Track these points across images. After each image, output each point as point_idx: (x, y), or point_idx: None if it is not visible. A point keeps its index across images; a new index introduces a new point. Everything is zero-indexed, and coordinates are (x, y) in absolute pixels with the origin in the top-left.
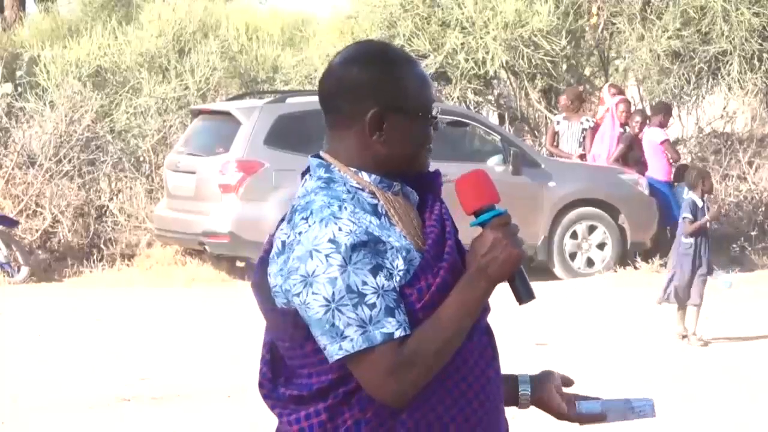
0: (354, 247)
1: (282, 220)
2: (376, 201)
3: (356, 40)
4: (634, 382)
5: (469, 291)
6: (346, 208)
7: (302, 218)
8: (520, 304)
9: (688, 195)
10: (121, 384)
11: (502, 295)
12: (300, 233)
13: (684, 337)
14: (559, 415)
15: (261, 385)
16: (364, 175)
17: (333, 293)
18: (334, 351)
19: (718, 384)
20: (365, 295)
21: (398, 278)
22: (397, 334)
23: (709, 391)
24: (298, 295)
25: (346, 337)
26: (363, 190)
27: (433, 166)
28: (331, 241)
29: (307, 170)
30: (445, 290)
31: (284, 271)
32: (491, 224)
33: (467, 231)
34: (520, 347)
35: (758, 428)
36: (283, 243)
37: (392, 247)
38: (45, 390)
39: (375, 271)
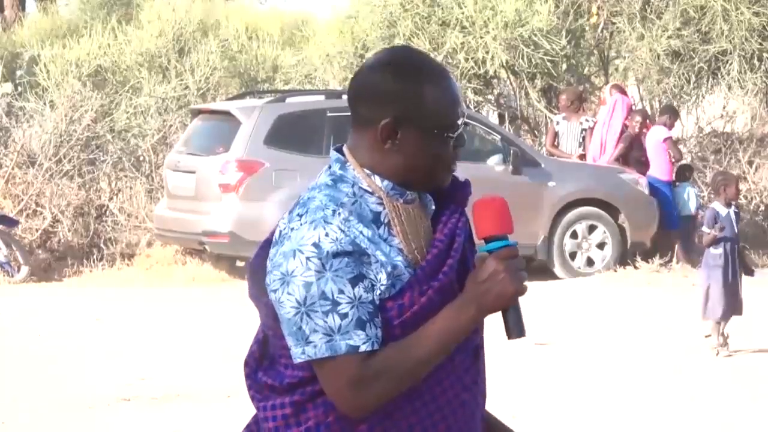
0: (336, 255)
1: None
2: (380, 208)
3: (393, 45)
4: (634, 382)
5: (456, 316)
6: (339, 213)
7: (298, 214)
8: (508, 338)
9: (713, 204)
10: (121, 384)
11: None
12: (292, 229)
13: (722, 345)
14: None
15: (246, 364)
16: (377, 179)
17: (305, 297)
18: (296, 354)
19: (718, 384)
20: (339, 303)
21: (379, 292)
22: (363, 348)
23: (709, 391)
24: (274, 291)
25: (310, 342)
26: (372, 194)
27: None
28: (315, 245)
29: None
30: (430, 311)
31: (270, 264)
32: (497, 254)
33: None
34: (520, 347)
35: (758, 428)
36: (280, 233)
37: (377, 261)
38: (45, 390)
39: (355, 281)
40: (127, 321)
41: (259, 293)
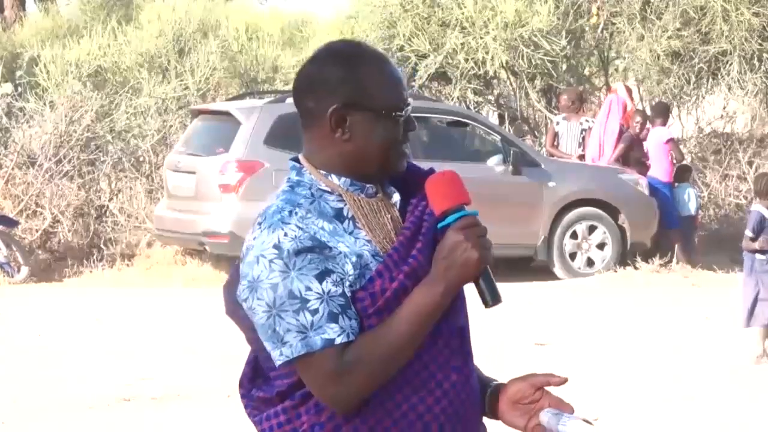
0: (298, 253)
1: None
2: (341, 205)
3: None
4: (634, 382)
5: (424, 296)
6: (296, 213)
7: (258, 223)
8: (485, 307)
9: (755, 206)
10: (121, 384)
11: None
12: (254, 238)
13: (762, 357)
14: (518, 430)
15: (240, 384)
16: (334, 178)
17: (274, 299)
18: (276, 356)
19: (718, 384)
20: (308, 300)
21: (348, 283)
22: (338, 340)
23: (709, 391)
24: (245, 300)
25: (286, 342)
26: (331, 193)
27: (433, 166)
28: (275, 246)
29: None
30: (404, 295)
31: (240, 276)
32: (454, 226)
33: None
34: (520, 347)
35: (758, 428)
36: (246, 247)
37: (340, 253)
38: (45, 390)
39: (322, 276)
40: (127, 321)
41: (235, 308)
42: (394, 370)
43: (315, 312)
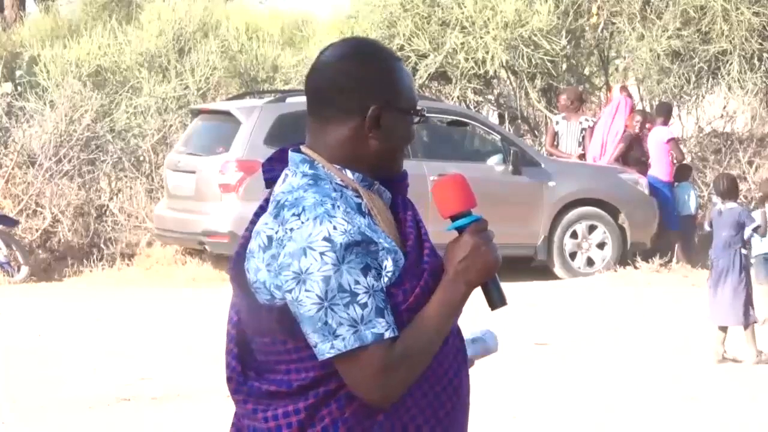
0: (348, 247)
1: (257, 213)
2: (360, 200)
3: (344, 38)
4: (634, 382)
5: (449, 296)
6: (339, 206)
7: (293, 214)
8: (492, 309)
9: (719, 205)
10: (121, 384)
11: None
12: (291, 229)
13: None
14: None
15: (230, 380)
16: (348, 173)
17: (326, 291)
18: (325, 349)
19: (718, 384)
20: (357, 294)
21: (386, 279)
22: (387, 334)
23: (709, 391)
24: (290, 291)
25: (338, 335)
26: (347, 188)
27: (433, 165)
28: (326, 239)
29: (271, 160)
30: (428, 293)
31: (273, 267)
32: (470, 230)
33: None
34: (520, 347)
35: (758, 428)
36: (269, 238)
37: (383, 248)
38: (45, 390)
39: (365, 271)
40: (127, 321)
41: (250, 300)
42: (427, 365)
43: (365, 306)
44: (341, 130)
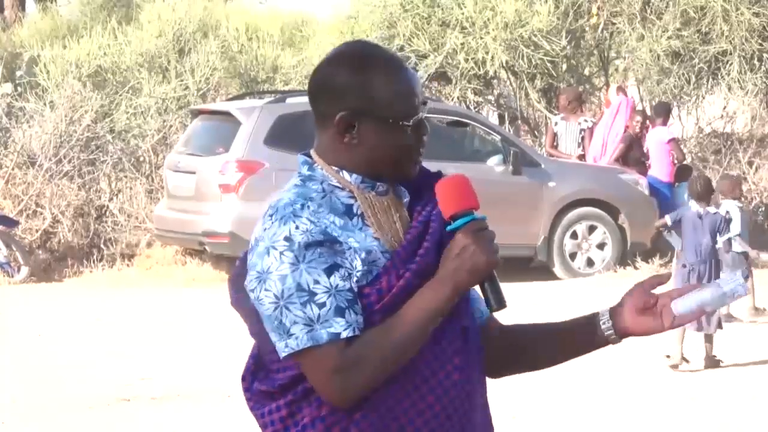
0: (308, 246)
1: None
2: (352, 201)
3: (351, 40)
4: (633, 382)
5: (430, 297)
6: (308, 206)
7: (269, 215)
8: (490, 311)
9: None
10: (121, 384)
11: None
12: (264, 230)
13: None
14: (656, 333)
15: (243, 378)
16: (345, 174)
17: (282, 290)
18: (281, 348)
19: (718, 384)
20: (316, 294)
21: (356, 278)
22: (344, 334)
23: (709, 391)
24: (252, 291)
25: (292, 334)
26: (342, 189)
27: (433, 166)
28: (287, 238)
29: None
30: (409, 294)
31: (248, 267)
32: (464, 229)
33: None
34: None
35: (758, 428)
36: (255, 239)
37: (350, 248)
38: (45, 390)
39: (330, 270)
40: (127, 321)
41: (240, 299)
42: (396, 368)
43: (322, 305)
44: (327, 134)
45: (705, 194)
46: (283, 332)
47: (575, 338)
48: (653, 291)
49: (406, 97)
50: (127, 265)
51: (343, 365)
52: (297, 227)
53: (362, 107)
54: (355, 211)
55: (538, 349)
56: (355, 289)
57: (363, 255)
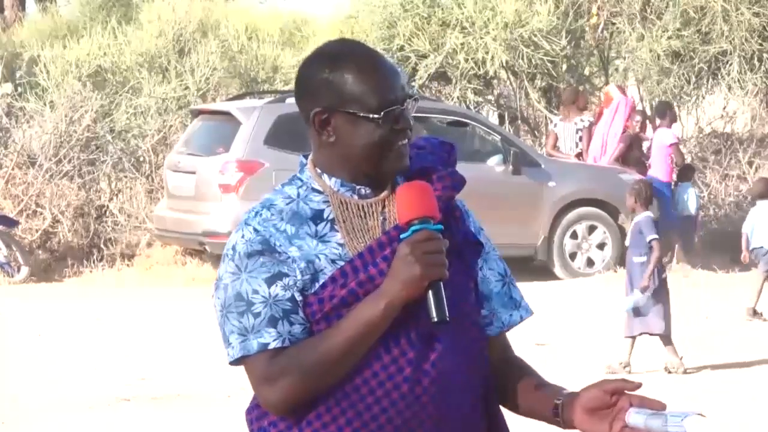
0: (249, 255)
1: None
2: (325, 206)
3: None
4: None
5: (365, 308)
6: (261, 214)
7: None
8: (431, 322)
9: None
10: (121, 384)
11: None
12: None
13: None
14: None
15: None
16: (326, 178)
17: (225, 299)
18: (227, 355)
19: (718, 384)
20: (253, 303)
21: (298, 288)
22: (273, 345)
23: (709, 391)
24: (212, 296)
25: (230, 343)
26: (321, 192)
27: None
28: (233, 247)
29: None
30: (353, 303)
31: None
32: (408, 239)
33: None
34: (519, 347)
35: (758, 428)
36: None
37: (289, 257)
38: (45, 390)
39: (272, 279)
40: (127, 321)
41: None
42: (331, 378)
43: (257, 315)
44: (311, 135)
45: (649, 199)
46: (225, 341)
47: (538, 407)
48: (618, 392)
49: (377, 91)
50: (127, 265)
51: (270, 375)
52: (243, 236)
53: (334, 103)
54: (325, 216)
55: (514, 395)
56: (299, 299)
57: (303, 264)
